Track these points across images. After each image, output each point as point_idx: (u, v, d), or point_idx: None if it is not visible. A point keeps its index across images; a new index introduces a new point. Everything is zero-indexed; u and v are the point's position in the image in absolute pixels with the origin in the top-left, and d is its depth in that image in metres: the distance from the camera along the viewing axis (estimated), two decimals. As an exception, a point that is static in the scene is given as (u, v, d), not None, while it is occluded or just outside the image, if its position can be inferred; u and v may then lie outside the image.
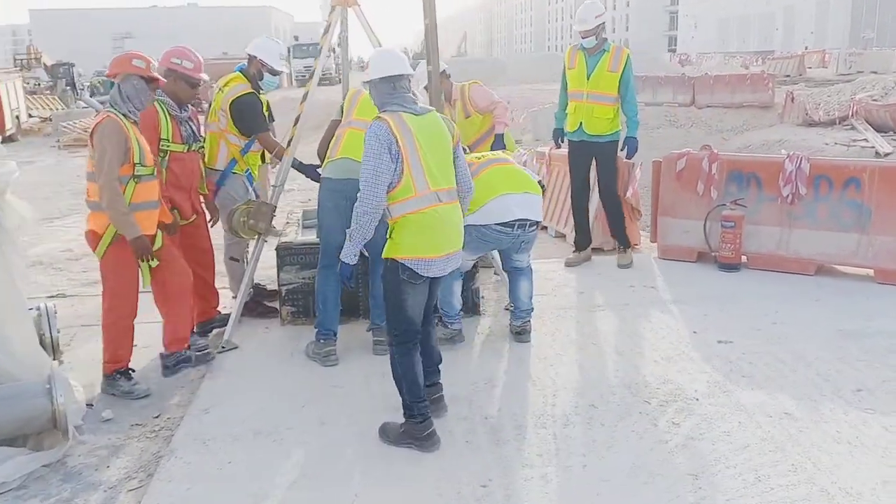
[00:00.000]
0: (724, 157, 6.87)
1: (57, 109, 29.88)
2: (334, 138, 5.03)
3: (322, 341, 4.92)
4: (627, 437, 3.87)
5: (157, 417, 4.28)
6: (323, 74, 8.78)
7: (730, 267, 6.60)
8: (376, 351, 4.95)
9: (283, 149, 5.43)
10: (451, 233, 3.79)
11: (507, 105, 6.58)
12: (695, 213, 6.90)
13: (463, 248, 4.77)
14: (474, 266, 5.51)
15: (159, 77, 4.69)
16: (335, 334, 4.95)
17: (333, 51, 5.49)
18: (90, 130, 4.38)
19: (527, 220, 4.90)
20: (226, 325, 5.30)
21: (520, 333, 5.21)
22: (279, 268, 5.44)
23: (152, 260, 4.53)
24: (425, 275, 3.72)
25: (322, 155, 5.08)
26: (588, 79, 6.61)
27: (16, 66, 36.72)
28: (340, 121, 5.04)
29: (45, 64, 37.03)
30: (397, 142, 3.59)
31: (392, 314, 3.82)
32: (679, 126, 22.88)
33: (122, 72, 4.50)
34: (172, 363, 4.81)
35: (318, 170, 5.14)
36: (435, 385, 4.11)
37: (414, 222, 3.69)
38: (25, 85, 30.76)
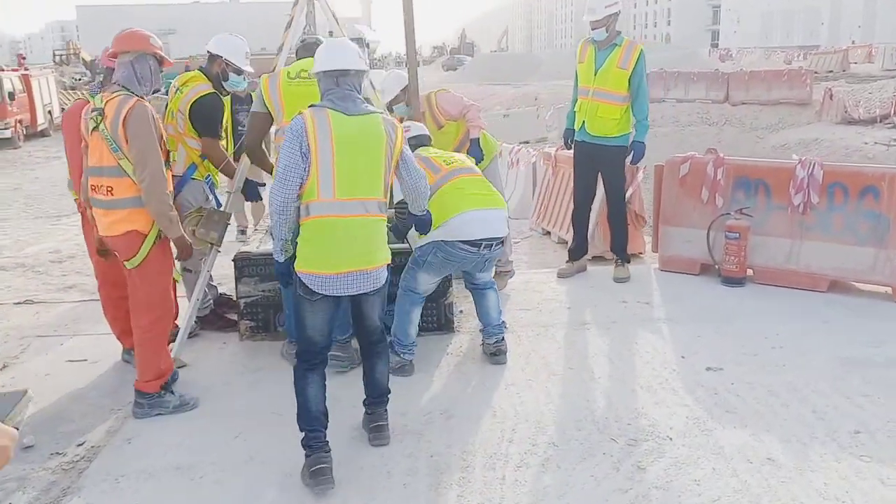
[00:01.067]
0: (730, 162, 6.35)
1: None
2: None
3: (292, 342, 4.63)
4: (584, 483, 3.44)
5: (80, 445, 3.95)
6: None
7: (734, 281, 6.09)
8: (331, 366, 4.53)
9: (230, 163, 5.05)
10: (356, 249, 3.38)
11: (479, 107, 6.08)
12: (698, 221, 6.40)
13: (423, 268, 4.49)
14: (447, 279, 5.10)
15: (170, 62, 4.38)
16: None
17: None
18: (120, 118, 3.91)
19: (493, 238, 4.49)
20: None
21: (495, 354, 4.78)
22: (237, 279, 5.09)
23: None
24: (321, 292, 3.36)
25: (253, 157, 4.93)
26: (595, 74, 6.13)
27: (55, 62, 37.21)
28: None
29: (83, 59, 37.45)
30: (308, 139, 3.29)
31: (295, 329, 3.56)
32: (712, 123, 22.17)
33: (137, 49, 4.08)
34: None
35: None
36: (374, 414, 3.77)
37: (310, 230, 3.38)
38: (65, 80, 31.04)
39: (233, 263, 5.11)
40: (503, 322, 4.89)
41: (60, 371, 4.91)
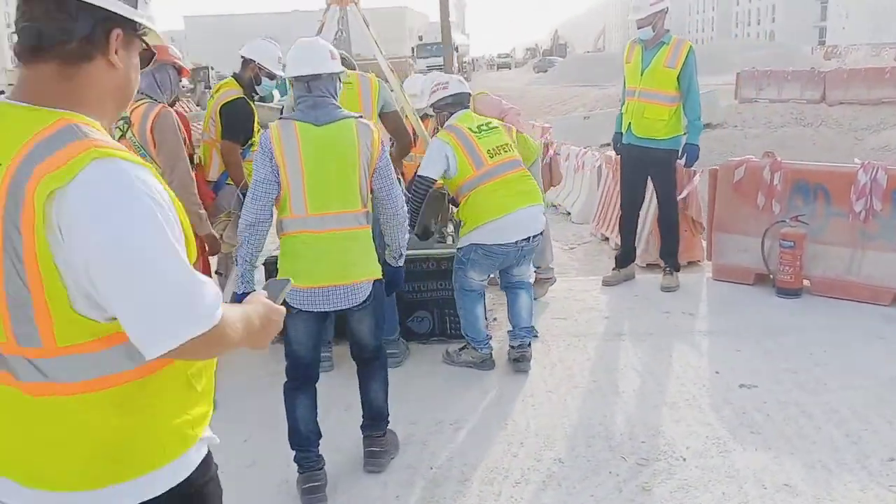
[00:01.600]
0: (788, 166, 6.00)
1: (191, 111, 31.33)
2: None
3: None
4: (583, 503, 3.30)
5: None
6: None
7: (789, 293, 5.75)
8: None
9: (240, 169, 4.96)
10: (331, 264, 3.25)
11: (518, 110, 5.89)
12: (754, 229, 6.07)
13: (468, 266, 4.49)
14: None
15: (188, 71, 4.55)
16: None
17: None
18: (148, 125, 4.06)
19: (529, 236, 4.51)
20: None
21: (518, 360, 4.66)
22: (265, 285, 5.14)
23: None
24: (300, 307, 3.25)
25: None
26: (642, 75, 5.93)
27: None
28: None
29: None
30: (275, 155, 3.19)
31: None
32: (807, 124, 21.06)
33: (157, 60, 4.25)
34: None
35: None
36: (368, 438, 3.62)
37: (287, 245, 3.31)
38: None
39: (263, 268, 5.17)
40: (533, 328, 4.80)
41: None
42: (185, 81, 4.74)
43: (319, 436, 3.44)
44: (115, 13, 1.47)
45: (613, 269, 6.39)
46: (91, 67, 1.48)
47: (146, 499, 1.54)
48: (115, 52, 1.50)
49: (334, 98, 3.34)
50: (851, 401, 4.07)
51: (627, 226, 6.35)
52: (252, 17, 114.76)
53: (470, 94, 4.87)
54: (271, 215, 3.30)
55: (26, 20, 1.43)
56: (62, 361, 1.45)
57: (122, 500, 1.52)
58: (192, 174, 4.22)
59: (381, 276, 3.43)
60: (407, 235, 3.58)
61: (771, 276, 5.92)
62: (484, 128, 4.57)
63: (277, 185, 3.21)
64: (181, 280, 1.42)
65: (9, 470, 1.54)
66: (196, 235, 4.12)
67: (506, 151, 4.55)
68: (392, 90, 5.23)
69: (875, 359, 4.61)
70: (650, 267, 6.84)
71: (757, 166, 6.11)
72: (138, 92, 4.20)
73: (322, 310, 3.28)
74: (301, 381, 3.39)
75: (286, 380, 3.43)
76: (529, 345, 4.72)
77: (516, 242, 4.44)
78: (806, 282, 5.79)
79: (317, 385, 3.49)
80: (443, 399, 4.36)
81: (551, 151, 10.21)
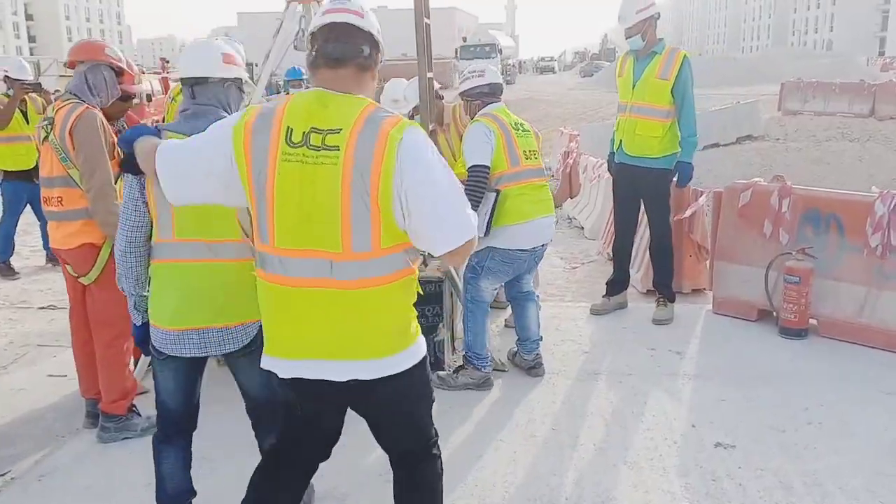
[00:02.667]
0: (798, 192, 5.42)
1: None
2: None
3: None
4: (501, 586, 2.84)
5: (3, 475, 3.73)
6: (292, 81, 7.98)
7: (792, 333, 5.18)
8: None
9: None
10: (195, 301, 2.71)
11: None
12: (758, 259, 5.52)
13: (482, 275, 4.36)
14: (437, 316, 4.60)
15: (131, 74, 4.20)
16: None
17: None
18: (67, 127, 3.74)
19: (545, 243, 4.56)
20: None
21: (534, 367, 4.69)
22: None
23: None
24: (162, 350, 2.76)
25: None
26: (633, 88, 5.44)
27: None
28: None
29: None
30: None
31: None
32: (853, 139, 20.09)
33: (91, 59, 3.96)
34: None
35: None
36: None
37: (154, 275, 2.80)
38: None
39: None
40: (542, 337, 4.76)
41: (36, 386, 4.78)
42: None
43: (191, 493, 3.01)
44: (379, 43, 2.33)
45: (603, 297, 5.89)
46: (368, 76, 2.32)
47: (416, 361, 2.33)
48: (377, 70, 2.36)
49: (225, 108, 2.87)
50: (840, 472, 3.52)
51: (620, 251, 5.86)
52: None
53: (502, 86, 4.72)
54: (144, 241, 2.82)
55: (333, 43, 2.25)
56: (380, 261, 2.19)
57: (406, 361, 2.30)
58: (114, 188, 3.81)
59: None
60: None
61: (774, 314, 5.36)
62: (520, 127, 4.48)
63: (144, 204, 2.74)
64: (461, 208, 2.21)
65: (322, 351, 2.24)
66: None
67: (535, 158, 4.50)
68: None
69: (878, 419, 4.05)
70: (650, 294, 6.32)
71: (764, 191, 5.55)
72: (67, 92, 3.93)
73: (188, 355, 2.76)
74: (167, 434, 2.93)
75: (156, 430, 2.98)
76: (540, 351, 4.73)
77: (532, 249, 4.42)
78: (813, 321, 5.22)
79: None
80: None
81: (570, 160, 9.76)
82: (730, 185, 5.83)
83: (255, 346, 2.72)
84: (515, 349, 4.78)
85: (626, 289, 5.91)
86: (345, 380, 2.23)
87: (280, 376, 2.33)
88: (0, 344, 5.41)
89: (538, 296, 5.38)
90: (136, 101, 4.74)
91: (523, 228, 4.34)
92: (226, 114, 2.84)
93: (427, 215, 2.14)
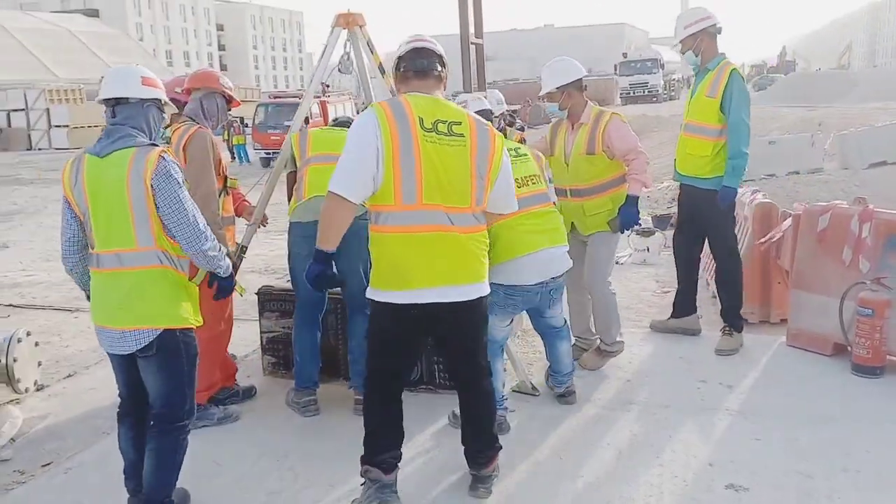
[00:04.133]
0: (881, 217, 4.92)
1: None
2: (297, 181, 4.55)
3: (301, 389, 4.52)
4: None
5: (45, 466, 4.12)
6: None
7: (865, 370, 4.70)
8: (357, 411, 4.23)
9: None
10: (109, 305, 3.13)
11: (647, 158, 4.89)
12: (836, 288, 5.04)
13: (489, 311, 3.96)
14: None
15: (238, 102, 4.66)
16: (316, 384, 4.56)
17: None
18: (181, 144, 4.22)
19: (549, 278, 4.19)
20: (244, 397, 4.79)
21: (564, 396, 4.53)
22: (260, 314, 5.03)
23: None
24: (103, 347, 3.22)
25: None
26: (688, 105, 5.24)
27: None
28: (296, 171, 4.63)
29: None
30: (64, 189, 3.14)
31: None
32: None
33: (207, 87, 4.45)
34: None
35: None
36: None
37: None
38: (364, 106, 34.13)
39: (256, 297, 5.06)
40: (574, 369, 4.62)
41: (107, 386, 5.14)
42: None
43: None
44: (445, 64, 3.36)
45: (670, 316, 5.62)
46: (441, 84, 3.34)
47: (487, 293, 3.37)
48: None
49: (142, 128, 3.15)
50: (855, 527, 3.17)
51: (683, 271, 5.58)
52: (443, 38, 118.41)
53: (490, 112, 4.77)
54: (78, 250, 3.23)
55: (420, 59, 3.28)
56: (480, 215, 3.27)
57: (484, 289, 3.32)
58: (218, 195, 4.29)
59: (181, 326, 3.19)
60: (218, 260, 3.33)
61: (849, 348, 4.88)
62: (513, 154, 4.15)
63: (74, 219, 3.17)
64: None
65: (448, 279, 3.15)
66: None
67: (534, 183, 4.23)
68: None
69: (927, 472, 3.60)
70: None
71: (844, 214, 5.08)
72: (183, 115, 4.38)
73: (109, 351, 3.22)
74: (126, 426, 3.37)
75: None
76: (572, 382, 4.57)
77: (538, 284, 4.12)
78: (894, 359, 4.71)
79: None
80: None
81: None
82: (808, 208, 5.39)
83: (152, 352, 3.09)
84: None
85: (692, 313, 5.59)
86: (462, 299, 3.19)
87: (416, 302, 3.12)
88: (89, 347, 5.95)
89: (620, 351, 5.16)
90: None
91: (523, 262, 4.02)
92: (142, 133, 3.12)
93: (504, 189, 3.38)
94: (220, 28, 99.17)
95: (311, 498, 3.59)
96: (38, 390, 5.15)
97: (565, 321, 4.53)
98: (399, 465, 3.43)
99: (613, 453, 3.93)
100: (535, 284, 4.11)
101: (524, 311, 4.51)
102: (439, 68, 3.29)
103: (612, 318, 4.94)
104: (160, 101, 3.27)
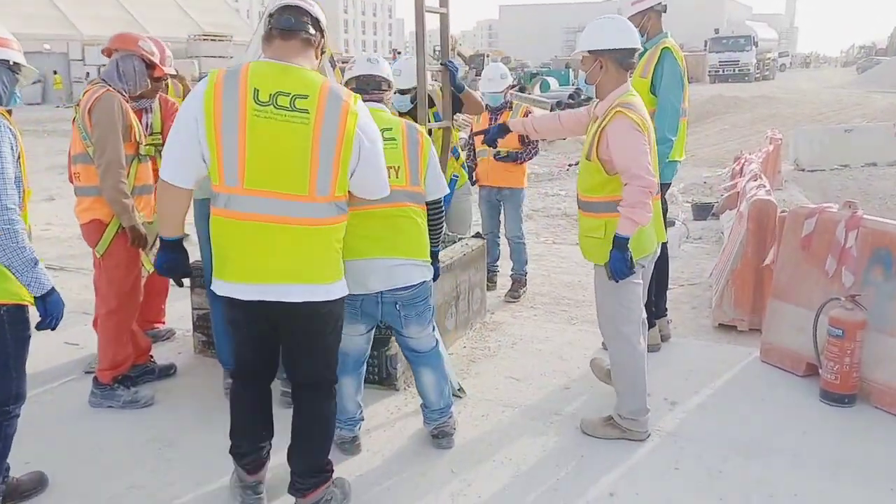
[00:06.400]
0: (868, 225, 4.33)
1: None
2: None
3: (226, 370, 4.27)
4: None
5: None
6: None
7: (832, 397, 4.18)
8: (282, 402, 3.86)
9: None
10: None
11: (651, 183, 3.48)
12: (816, 301, 4.49)
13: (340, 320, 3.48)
14: (384, 331, 4.11)
15: (164, 70, 4.48)
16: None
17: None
18: (87, 107, 4.05)
19: (372, 293, 3.47)
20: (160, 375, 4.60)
21: (437, 437, 3.79)
22: (191, 290, 4.84)
23: (149, 249, 4.22)
24: None
25: None
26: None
27: (432, 57, 40.77)
28: None
29: (459, 53, 40.39)
30: None
31: None
32: None
33: (124, 49, 4.28)
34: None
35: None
36: None
37: None
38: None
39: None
40: (449, 404, 3.81)
41: (54, 354, 5.07)
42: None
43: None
44: (323, 30, 2.99)
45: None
46: (311, 53, 2.90)
47: (341, 295, 2.95)
48: (319, 52, 2.97)
49: None
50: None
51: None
52: (564, 7, 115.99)
53: (377, 78, 3.61)
54: None
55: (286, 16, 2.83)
56: (332, 205, 2.83)
57: (332, 292, 2.90)
58: (124, 168, 4.04)
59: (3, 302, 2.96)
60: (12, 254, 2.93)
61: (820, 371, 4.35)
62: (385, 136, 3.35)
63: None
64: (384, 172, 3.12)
65: (276, 276, 2.78)
66: (121, 227, 3.97)
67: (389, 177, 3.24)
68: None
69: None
70: (723, 328, 5.46)
71: (831, 220, 4.51)
72: (99, 77, 4.19)
73: None
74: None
75: None
76: (447, 420, 3.78)
77: (373, 294, 3.46)
78: (867, 385, 4.16)
79: None
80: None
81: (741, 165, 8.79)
82: (793, 210, 4.81)
83: None
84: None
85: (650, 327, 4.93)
86: (297, 301, 2.80)
87: (242, 298, 2.81)
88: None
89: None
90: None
91: (349, 267, 3.18)
92: None
93: (365, 176, 2.89)
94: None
95: (171, 494, 3.38)
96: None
97: (436, 345, 3.75)
98: (267, 464, 3.19)
99: (510, 471, 3.57)
100: (367, 294, 3.45)
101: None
102: (311, 31, 2.87)
103: (625, 384, 3.82)
104: (8, 61, 3.05)
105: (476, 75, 37.77)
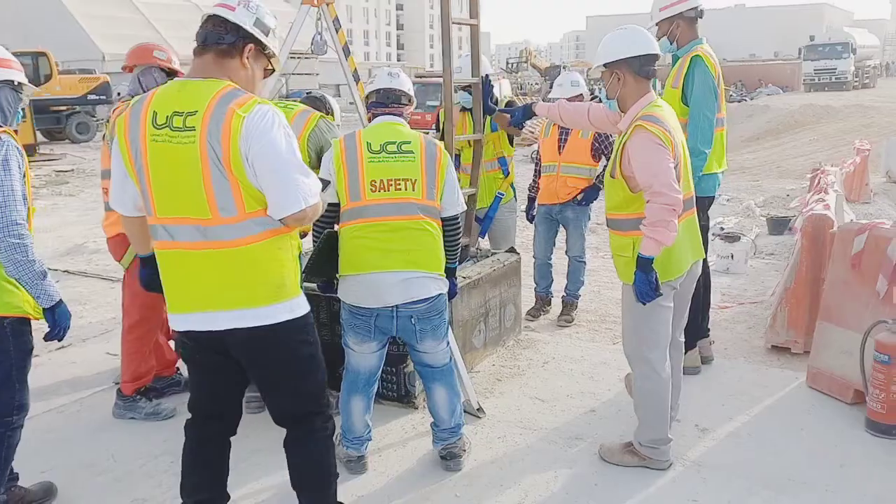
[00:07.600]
0: (923, 242, 4.00)
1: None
2: None
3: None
4: None
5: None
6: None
7: (879, 428, 3.85)
8: (250, 409, 3.90)
9: None
10: None
11: (676, 200, 3.23)
12: (865, 323, 4.16)
13: (344, 327, 3.59)
14: (402, 347, 4.01)
15: (182, 73, 4.57)
16: None
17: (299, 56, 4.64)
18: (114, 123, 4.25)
19: (387, 307, 3.42)
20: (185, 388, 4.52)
21: (445, 458, 3.69)
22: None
23: None
24: None
25: None
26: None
27: (507, 69, 40.84)
28: None
29: (533, 65, 40.28)
30: None
31: None
32: None
33: (143, 63, 4.36)
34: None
35: None
36: None
37: None
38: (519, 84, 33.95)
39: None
40: (460, 424, 3.70)
41: (84, 361, 5.20)
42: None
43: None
44: (252, 34, 2.58)
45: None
46: (233, 62, 2.58)
47: (295, 316, 2.63)
48: (246, 58, 2.61)
49: None
50: None
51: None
52: (648, 17, 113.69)
53: (397, 92, 3.63)
54: None
55: (199, 30, 2.57)
56: (249, 223, 2.51)
57: (281, 315, 2.59)
58: None
59: (6, 314, 2.99)
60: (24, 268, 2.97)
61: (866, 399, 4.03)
62: (389, 148, 3.44)
63: None
64: (299, 175, 2.51)
65: (205, 304, 2.57)
66: None
67: (407, 190, 3.40)
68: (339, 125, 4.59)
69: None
70: (776, 350, 5.16)
71: (883, 237, 4.18)
72: (124, 96, 4.30)
73: None
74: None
75: None
76: (456, 441, 3.68)
77: (388, 308, 3.41)
78: (920, 418, 3.83)
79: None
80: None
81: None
82: (843, 226, 4.50)
83: None
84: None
85: (690, 348, 4.67)
86: (226, 328, 2.57)
87: (177, 329, 2.68)
88: (108, 318, 5.99)
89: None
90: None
91: (357, 281, 3.37)
92: None
93: (267, 180, 2.47)
94: (398, 7, 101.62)
95: (172, 509, 3.39)
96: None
97: (449, 361, 3.68)
98: None
99: (516, 498, 3.42)
100: (382, 308, 3.40)
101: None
102: (229, 39, 2.54)
103: (647, 411, 3.62)
104: (12, 81, 3.13)
105: (551, 87, 37.57)
